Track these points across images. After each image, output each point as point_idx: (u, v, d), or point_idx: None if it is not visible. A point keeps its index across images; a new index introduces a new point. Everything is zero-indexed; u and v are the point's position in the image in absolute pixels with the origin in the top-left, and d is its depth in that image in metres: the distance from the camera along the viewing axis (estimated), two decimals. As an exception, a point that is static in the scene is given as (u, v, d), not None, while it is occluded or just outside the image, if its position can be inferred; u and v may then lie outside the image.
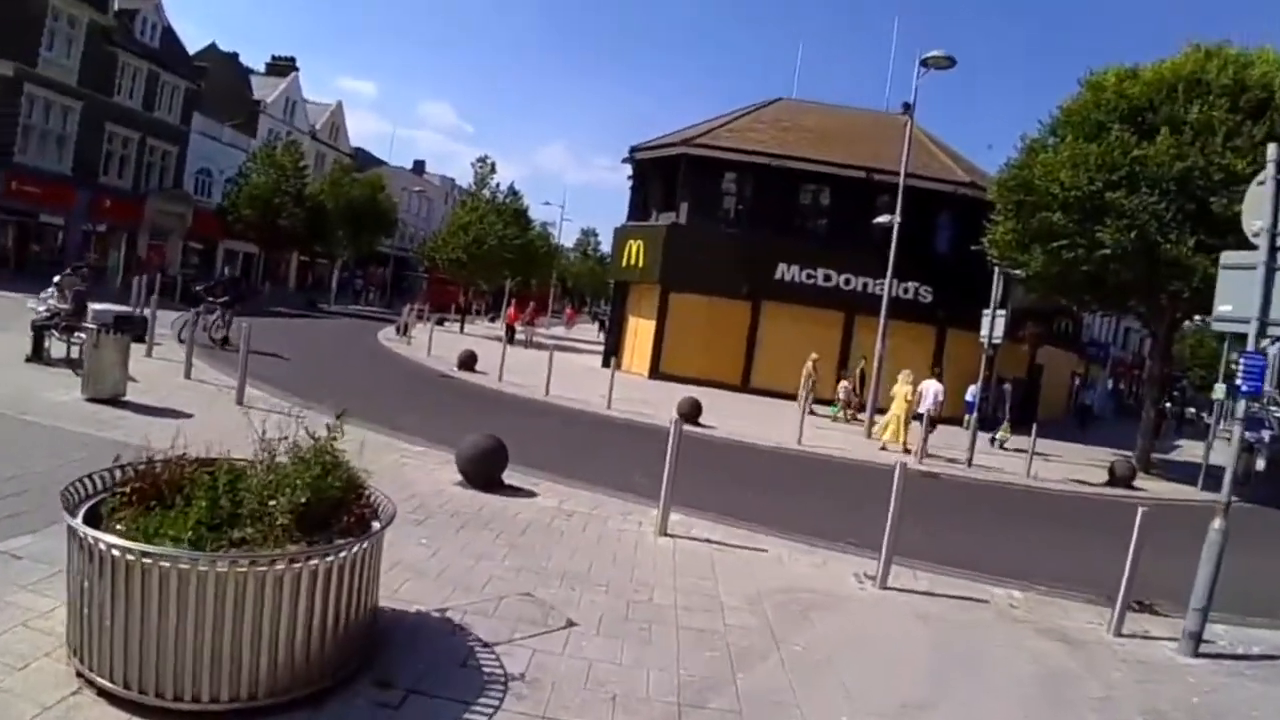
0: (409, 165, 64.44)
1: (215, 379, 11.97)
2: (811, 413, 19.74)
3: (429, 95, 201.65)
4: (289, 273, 46.68)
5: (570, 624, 4.69)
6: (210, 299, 17.03)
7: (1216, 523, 6.05)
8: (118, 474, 3.87)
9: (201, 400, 10.05)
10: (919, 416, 15.69)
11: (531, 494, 7.78)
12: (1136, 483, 15.72)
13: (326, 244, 40.67)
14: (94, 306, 9.80)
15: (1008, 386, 21.14)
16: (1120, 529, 7.47)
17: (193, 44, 38.04)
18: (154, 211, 32.92)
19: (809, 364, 20.44)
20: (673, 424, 7.21)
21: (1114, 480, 15.44)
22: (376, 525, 3.84)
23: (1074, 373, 36.93)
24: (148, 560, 3.12)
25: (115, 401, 9.06)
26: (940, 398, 16.23)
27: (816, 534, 7.85)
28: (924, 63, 16.77)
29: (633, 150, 28.26)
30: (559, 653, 4.29)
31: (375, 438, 9.45)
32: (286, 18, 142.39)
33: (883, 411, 18.42)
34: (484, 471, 7.71)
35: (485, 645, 4.22)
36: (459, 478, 7.78)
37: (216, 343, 16.06)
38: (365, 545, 3.63)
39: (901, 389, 16.07)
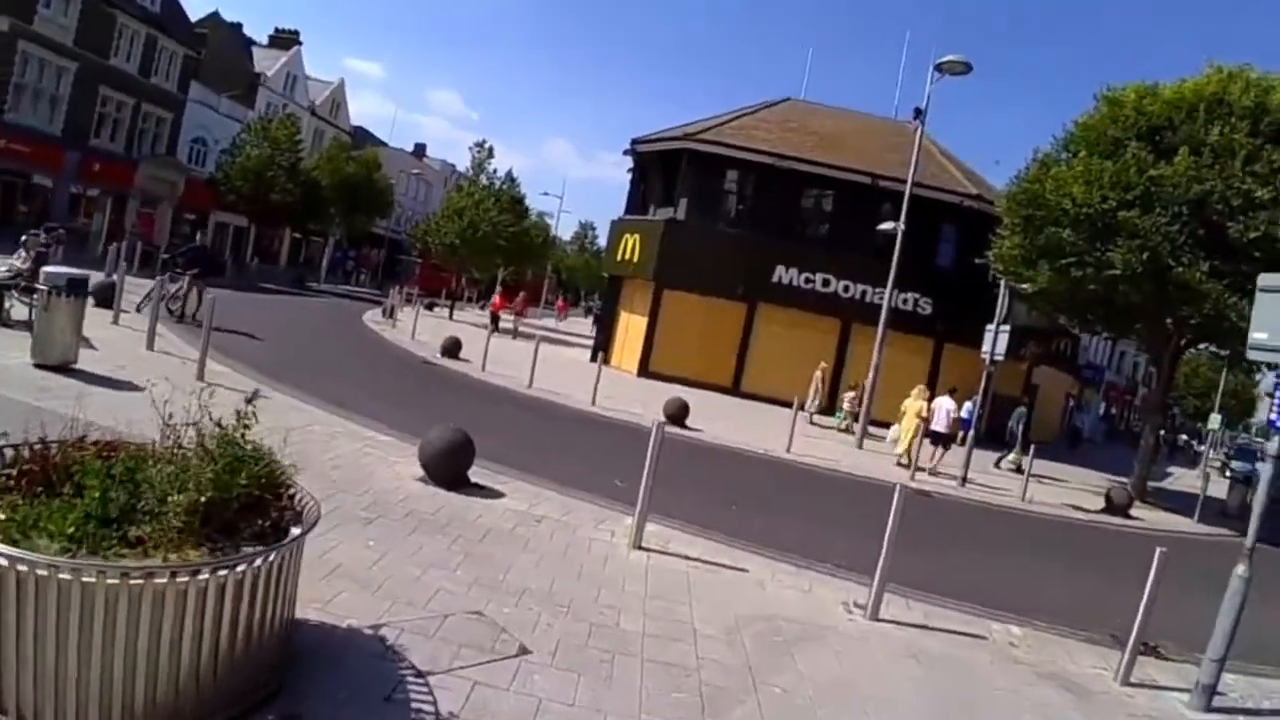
0: (411, 149, 63.44)
1: (180, 351, 11.39)
2: (812, 423, 19.23)
3: (437, 82, 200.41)
4: (281, 249, 45.86)
5: (523, 651, 4.13)
6: (176, 269, 15.62)
7: (1240, 569, 5.54)
8: (9, 453, 3.34)
9: (158, 373, 9.41)
10: (933, 434, 15.21)
11: (499, 494, 7.20)
12: (1133, 511, 15.23)
13: (319, 220, 39.83)
14: (47, 268, 9.16)
15: (1023, 409, 19.84)
16: (1119, 560, 6.99)
17: (195, 11, 37.24)
18: (145, 178, 32.13)
19: (818, 372, 19.97)
20: (655, 426, 6.64)
21: (1111, 508, 14.94)
22: (296, 531, 3.29)
23: (1068, 394, 36.47)
24: (3, 563, 2.59)
25: (64, 369, 8.51)
26: (953, 414, 15.78)
27: (802, 552, 7.32)
28: (938, 67, 16.24)
29: (634, 142, 27.51)
30: (504, 687, 3.73)
31: (340, 424, 8.96)
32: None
33: (879, 424, 17.98)
34: (449, 467, 7.11)
35: (419, 674, 3.65)
36: (422, 473, 7.21)
37: (173, 315, 14.63)
38: (275, 557, 3.08)
39: (915, 404, 15.54)
